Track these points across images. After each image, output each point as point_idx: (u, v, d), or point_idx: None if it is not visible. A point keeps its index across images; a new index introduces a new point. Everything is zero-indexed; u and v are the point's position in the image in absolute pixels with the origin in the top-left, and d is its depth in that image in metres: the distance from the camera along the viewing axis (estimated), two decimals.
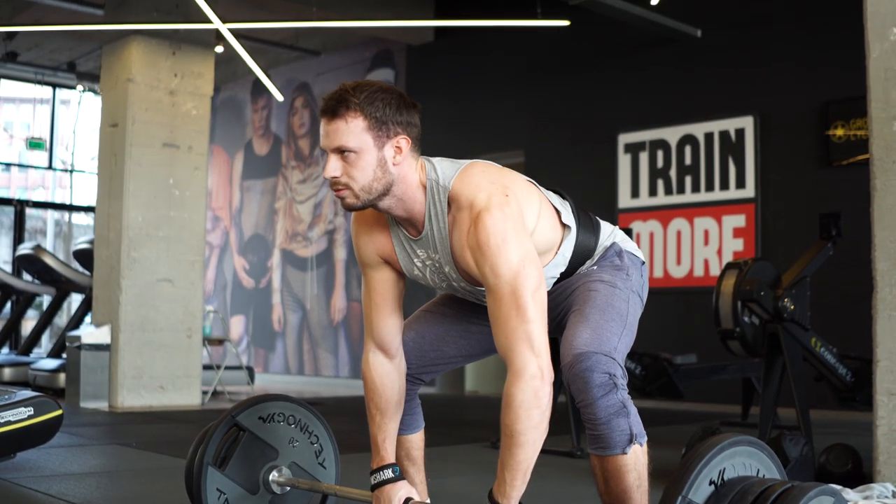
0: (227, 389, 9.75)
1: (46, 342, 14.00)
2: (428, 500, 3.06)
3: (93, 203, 11.46)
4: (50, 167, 15.72)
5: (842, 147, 8.24)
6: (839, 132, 8.26)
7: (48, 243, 16.52)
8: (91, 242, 9.39)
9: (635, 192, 9.52)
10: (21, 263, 10.95)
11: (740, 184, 8.83)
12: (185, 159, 8.73)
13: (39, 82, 14.51)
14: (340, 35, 11.66)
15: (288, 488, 3.17)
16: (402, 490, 2.76)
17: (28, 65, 13.53)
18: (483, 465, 5.19)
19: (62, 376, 8.92)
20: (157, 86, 8.62)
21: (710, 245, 8.98)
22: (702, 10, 9.18)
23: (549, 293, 2.80)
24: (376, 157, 2.51)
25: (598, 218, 2.94)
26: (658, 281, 9.25)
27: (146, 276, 8.40)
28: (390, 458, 2.81)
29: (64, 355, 9.38)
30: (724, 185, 8.94)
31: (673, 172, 9.30)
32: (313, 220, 12.59)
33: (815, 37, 8.46)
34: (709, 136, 9.10)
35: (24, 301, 11.55)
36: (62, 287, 10.78)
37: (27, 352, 10.99)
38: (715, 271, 8.79)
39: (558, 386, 5.79)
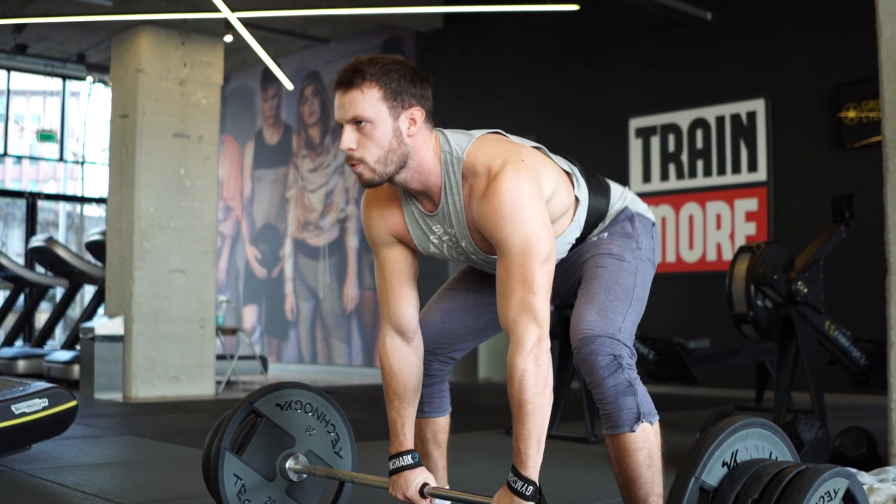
0: (241, 379, 9.78)
1: (60, 334, 14.05)
2: (447, 486, 3.06)
3: (104, 195, 11.48)
4: (61, 159, 15.74)
5: (854, 129, 8.21)
6: (851, 114, 8.22)
7: (60, 235, 16.55)
8: (103, 234, 9.41)
9: (647, 177, 9.50)
10: (34, 256, 10.97)
11: (752, 167, 8.80)
12: (196, 149, 8.73)
13: (49, 74, 14.51)
14: (349, 22, 11.63)
15: (305, 475, 3.17)
16: (419, 476, 2.75)
17: (37, 57, 13.53)
18: (497, 451, 5.19)
19: (76, 368, 8.95)
20: (167, 76, 8.63)
21: (722, 229, 8.95)
22: None
23: (564, 260, 2.84)
24: (391, 128, 2.51)
25: (606, 179, 2.94)
26: (671, 266, 9.23)
27: (158, 266, 8.42)
28: (409, 443, 2.80)
29: (78, 347, 9.41)
30: (736, 169, 8.91)
31: (685, 157, 9.27)
32: (325, 209, 12.59)
33: (826, 18, 8.42)
34: (720, 120, 9.07)
35: (38, 293, 11.57)
36: (75, 279, 10.81)
37: (41, 344, 11.02)
38: (728, 255, 8.77)
39: (572, 372, 5.80)
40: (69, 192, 16.73)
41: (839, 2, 8.24)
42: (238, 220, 14.05)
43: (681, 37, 9.39)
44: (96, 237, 9.96)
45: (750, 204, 8.79)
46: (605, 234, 2.84)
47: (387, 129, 2.51)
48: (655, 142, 9.48)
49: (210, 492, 3.10)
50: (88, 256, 10.75)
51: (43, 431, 4.71)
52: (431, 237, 2.71)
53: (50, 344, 12.13)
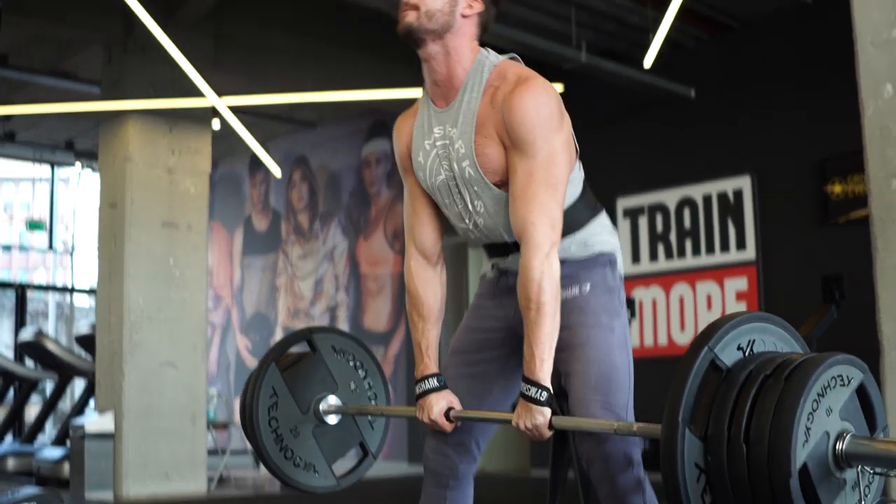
0: (234, 475, 9.64)
1: (50, 428, 13.90)
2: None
3: (94, 283, 11.44)
4: (50, 247, 15.72)
5: (840, 204, 8.22)
6: (837, 188, 8.25)
7: (50, 325, 16.50)
8: (93, 327, 9.34)
9: (636, 258, 9.49)
10: (23, 350, 10.90)
11: (741, 245, 8.80)
12: (185, 238, 8.71)
13: (38, 161, 14.53)
14: (336, 106, 11.68)
15: (336, 417, 3.23)
16: (443, 399, 2.77)
17: (26, 144, 13.55)
18: None
19: (66, 466, 8.81)
20: (155, 164, 8.63)
21: (713, 310, 8.92)
22: (694, 71, 9.21)
23: None
24: None
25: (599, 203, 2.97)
26: (663, 349, 9.17)
27: (149, 360, 8.34)
28: (433, 366, 2.81)
29: (68, 443, 9.30)
30: (725, 248, 8.91)
31: (673, 236, 9.28)
32: (315, 297, 12.55)
33: (809, 93, 8.47)
34: (707, 199, 9.08)
35: (27, 387, 11.47)
36: (65, 372, 10.71)
37: (31, 439, 10.89)
38: None
39: (568, 459, 5.71)
40: (59, 281, 16.71)
41: (821, 76, 8.29)
42: (228, 309, 13.99)
43: (665, 115, 9.44)
44: (86, 331, 9.91)
45: (740, 283, 8.78)
46: (588, 288, 2.76)
47: None
48: (643, 222, 9.49)
49: (243, 399, 3.16)
50: (78, 349, 10.67)
51: None
52: (425, 142, 2.76)
53: (40, 439, 11.99)
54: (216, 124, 9.49)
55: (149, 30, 6.91)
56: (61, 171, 15.44)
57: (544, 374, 2.50)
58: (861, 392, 2.19)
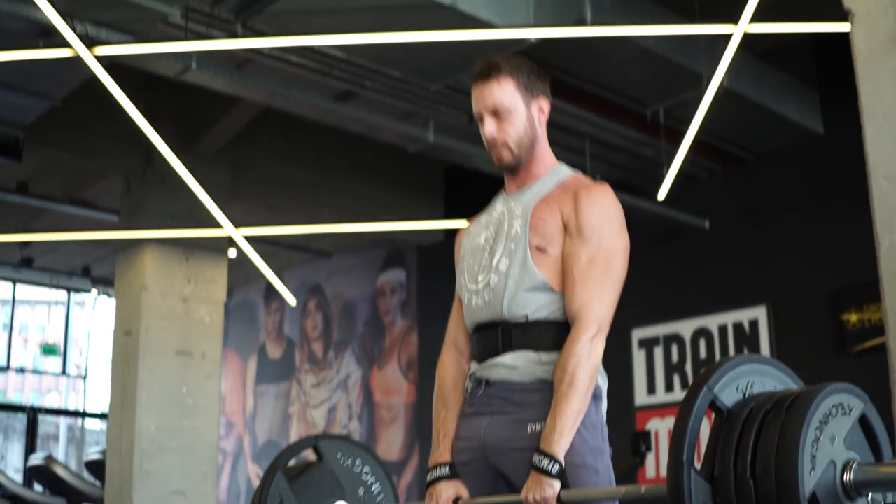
0: None
1: None
2: None
3: (106, 408, 11.42)
4: (63, 372, 15.72)
5: (856, 334, 8.18)
6: (853, 318, 8.22)
7: (61, 449, 16.41)
8: (103, 453, 9.29)
9: (651, 389, 9.42)
10: (32, 475, 10.83)
11: None
12: (199, 367, 8.70)
13: (54, 286, 14.62)
14: (351, 236, 11.77)
15: None
16: (452, 488, 2.73)
17: (43, 270, 13.65)
18: None
19: None
20: (171, 293, 8.67)
21: None
22: (709, 202, 9.25)
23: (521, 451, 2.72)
24: (525, 115, 2.79)
25: None
26: None
27: (158, 488, 8.26)
28: (447, 455, 2.79)
29: None
30: None
31: (689, 367, 9.22)
32: (327, 425, 12.46)
33: (822, 223, 8.49)
34: (723, 329, 9.05)
35: None
36: (73, 499, 10.62)
37: None
38: None
39: None
40: (71, 405, 16.68)
41: (834, 206, 8.32)
42: (240, 437, 13.89)
43: (680, 246, 9.46)
44: (96, 456, 9.85)
45: None
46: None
47: (522, 115, 2.79)
48: (659, 352, 9.44)
49: None
50: (88, 475, 10.59)
51: None
52: (483, 217, 2.90)
53: None
54: (232, 253, 9.57)
55: (168, 161, 7.01)
56: (77, 296, 15.52)
57: (561, 448, 2.51)
58: (864, 422, 2.18)
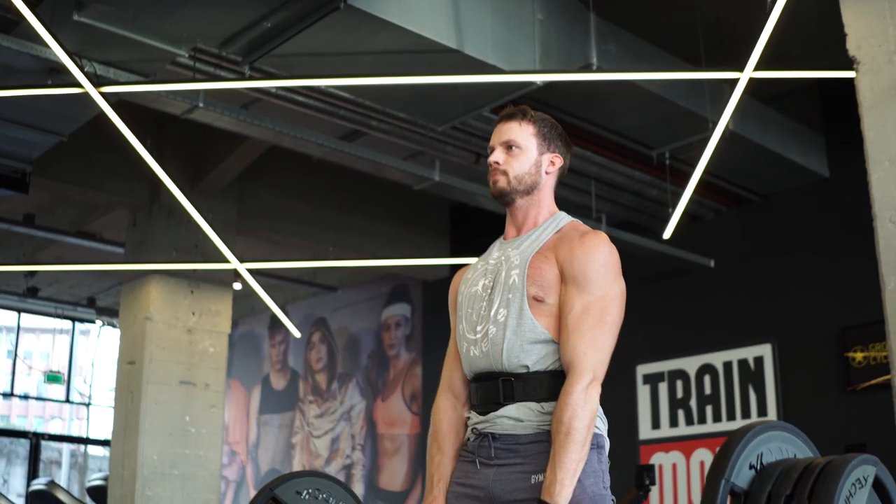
0: None
1: None
2: None
3: (108, 435, 11.42)
4: (67, 400, 15.71)
5: (861, 371, 8.18)
6: (858, 356, 8.21)
7: (63, 474, 16.39)
8: (105, 479, 9.30)
9: (656, 423, 9.41)
10: (34, 500, 10.79)
11: (762, 411, 8.73)
12: (202, 397, 8.72)
13: (59, 316, 14.64)
14: (356, 271, 11.80)
15: None
16: None
17: (48, 300, 13.67)
18: None
19: None
20: (175, 324, 8.70)
21: None
22: (714, 242, 9.27)
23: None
24: (535, 159, 2.87)
25: None
26: None
27: None
28: (441, 500, 2.82)
29: None
30: (746, 414, 8.83)
31: (693, 403, 9.21)
32: (330, 455, 12.45)
33: (827, 262, 8.50)
34: (727, 365, 9.05)
35: None
36: None
37: None
38: None
39: None
40: (74, 432, 16.65)
41: (839, 246, 8.34)
42: (243, 465, 13.88)
43: (685, 284, 9.47)
44: (98, 482, 9.83)
45: None
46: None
47: (531, 157, 2.87)
48: (663, 388, 9.44)
49: None
50: (90, 500, 10.57)
51: None
52: (479, 264, 2.91)
53: None
54: (237, 286, 9.59)
55: (174, 196, 7.04)
56: (82, 325, 15.54)
57: (563, 499, 2.49)
58: (877, 485, 2.19)
